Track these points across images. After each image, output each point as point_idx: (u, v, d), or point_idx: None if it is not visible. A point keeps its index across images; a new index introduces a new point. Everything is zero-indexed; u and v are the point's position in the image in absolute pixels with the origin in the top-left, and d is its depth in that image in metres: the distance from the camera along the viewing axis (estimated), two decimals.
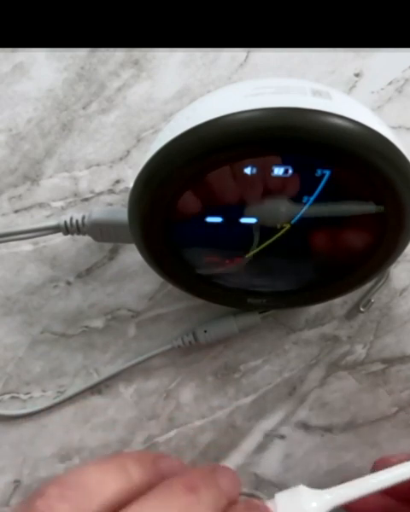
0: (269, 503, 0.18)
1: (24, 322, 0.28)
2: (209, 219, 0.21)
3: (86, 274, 0.28)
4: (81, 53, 0.26)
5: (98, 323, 0.28)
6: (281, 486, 0.30)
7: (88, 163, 0.27)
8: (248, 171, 0.19)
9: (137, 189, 0.20)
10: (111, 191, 0.27)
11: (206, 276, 0.23)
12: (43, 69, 0.26)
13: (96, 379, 0.28)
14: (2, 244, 0.27)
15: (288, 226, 0.21)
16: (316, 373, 0.29)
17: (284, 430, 0.29)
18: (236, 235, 0.22)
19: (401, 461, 0.20)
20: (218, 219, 0.21)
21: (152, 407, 0.29)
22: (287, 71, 0.26)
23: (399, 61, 0.26)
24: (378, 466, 0.24)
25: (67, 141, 0.27)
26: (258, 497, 0.16)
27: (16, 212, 0.28)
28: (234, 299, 0.24)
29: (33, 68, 0.26)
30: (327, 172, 0.19)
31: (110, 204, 0.27)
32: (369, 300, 0.21)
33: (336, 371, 0.29)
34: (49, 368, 0.29)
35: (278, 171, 0.19)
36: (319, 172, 0.19)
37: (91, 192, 0.27)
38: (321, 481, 0.29)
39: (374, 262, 0.22)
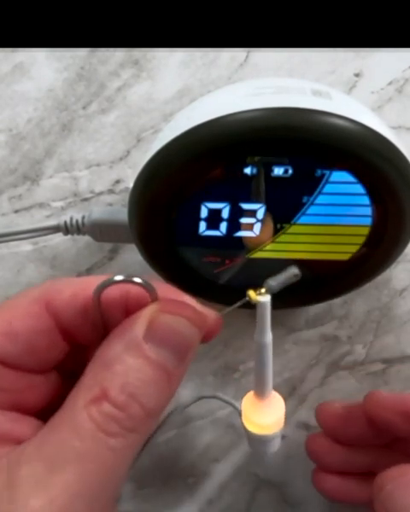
0: None
1: None
2: (209, 219, 0.21)
3: (86, 274, 0.28)
4: (81, 53, 0.26)
5: None
6: (281, 486, 0.30)
7: (88, 163, 0.27)
8: (247, 171, 0.19)
9: (137, 189, 0.20)
10: (111, 191, 0.27)
11: (206, 276, 0.23)
12: (43, 69, 0.26)
13: None
14: (3, 244, 0.27)
15: (288, 226, 0.21)
16: (316, 373, 0.29)
17: (284, 430, 0.29)
18: (236, 235, 0.22)
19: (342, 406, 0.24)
20: (218, 219, 0.21)
21: None
22: (287, 71, 0.26)
23: (399, 61, 0.26)
24: (320, 412, 0.25)
25: (67, 141, 0.27)
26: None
27: (16, 212, 0.28)
28: (234, 299, 0.24)
29: (33, 68, 0.26)
30: (327, 172, 0.19)
31: (110, 204, 0.27)
32: None
33: (336, 371, 0.29)
34: None
35: (278, 171, 0.19)
36: (318, 172, 0.19)
37: (91, 192, 0.27)
38: None
39: (374, 262, 0.22)
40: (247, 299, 0.18)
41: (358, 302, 0.28)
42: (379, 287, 0.28)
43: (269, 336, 0.19)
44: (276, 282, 0.18)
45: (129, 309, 0.16)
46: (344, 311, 0.28)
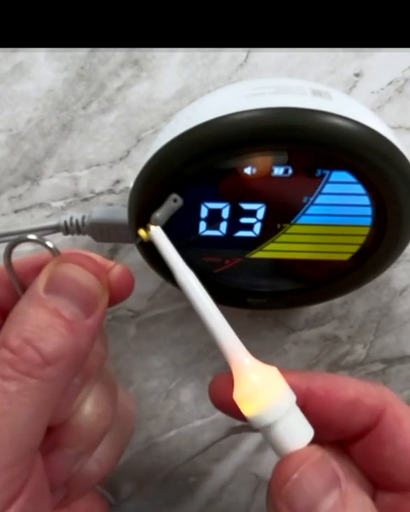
0: None
1: None
2: (209, 219, 0.21)
3: None
4: (81, 53, 0.26)
5: None
6: None
7: (88, 163, 0.27)
8: (248, 171, 0.19)
9: (137, 189, 0.20)
10: (111, 191, 0.27)
11: (206, 276, 0.23)
12: (43, 69, 0.26)
13: None
14: (3, 244, 0.27)
15: (288, 226, 0.21)
16: None
17: None
18: (236, 235, 0.22)
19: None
20: (218, 219, 0.21)
21: (152, 407, 0.29)
22: (287, 71, 0.26)
23: (399, 61, 0.26)
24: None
25: (67, 141, 0.27)
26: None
27: (16, 212, 0.28)
28: (234, 299, 0.24)
29: (33, 68, 0.26)
30: (327, 172, 0.19)
31: (110, 204, 0.27)
32: None
33: (336, 371, 0.29)
34: None
35: (278, 171, 0.19)
36: (319, 172, 0.19)
37: (91, 192, 0.27)
38: None
39: (374, 262, 0.22)
40: (140, 239, 0.18)
41: (358, 302, 0.28)
42: (379, 287, 0.28)
43: (187, 272, 0.17)
44: (160, 213, 0.18)
45: None
46: (344, 311, 0.28)
